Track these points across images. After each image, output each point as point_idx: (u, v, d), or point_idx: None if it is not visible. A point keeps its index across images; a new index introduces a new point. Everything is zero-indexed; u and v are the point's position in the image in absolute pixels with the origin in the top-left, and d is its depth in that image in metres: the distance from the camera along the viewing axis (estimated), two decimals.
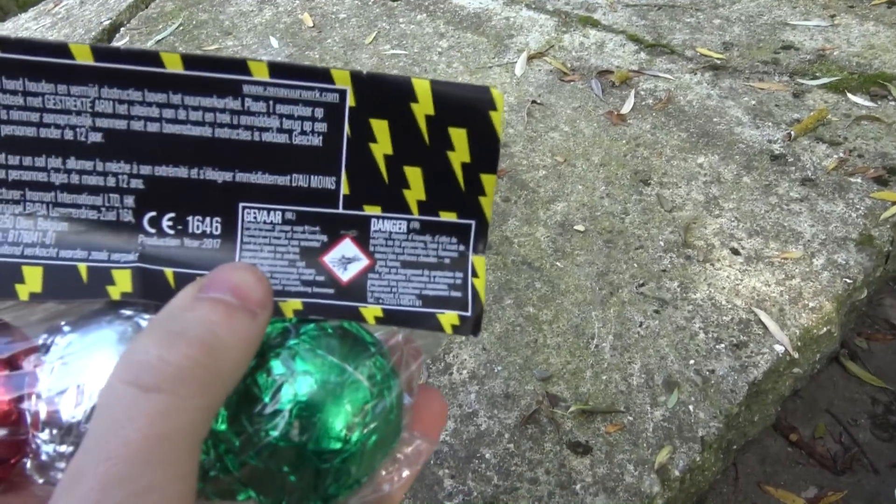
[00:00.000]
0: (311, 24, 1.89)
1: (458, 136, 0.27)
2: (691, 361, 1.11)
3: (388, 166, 0.28)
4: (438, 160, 0.28)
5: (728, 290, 1.18)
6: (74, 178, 0.27)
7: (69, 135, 0.26)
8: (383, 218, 0.28)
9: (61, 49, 0.25)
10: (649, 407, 1.07)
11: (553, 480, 0.99)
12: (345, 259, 0.28)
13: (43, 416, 0.25)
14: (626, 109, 1.53)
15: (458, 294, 0.29)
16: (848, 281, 1.18)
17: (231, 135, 0.26)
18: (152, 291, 0.26)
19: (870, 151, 1.37)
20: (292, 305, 0.28)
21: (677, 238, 1.26)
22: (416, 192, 0.28)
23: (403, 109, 0.27)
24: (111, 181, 0.27)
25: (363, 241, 0.29)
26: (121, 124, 0.26)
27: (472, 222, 0.29)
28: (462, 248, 0.29)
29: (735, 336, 1.13)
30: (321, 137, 0.27)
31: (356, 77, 0.27)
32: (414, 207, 0.28)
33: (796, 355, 1.11)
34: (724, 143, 1.44)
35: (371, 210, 0.28)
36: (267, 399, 0.25)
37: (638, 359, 1.11)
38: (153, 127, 0.26)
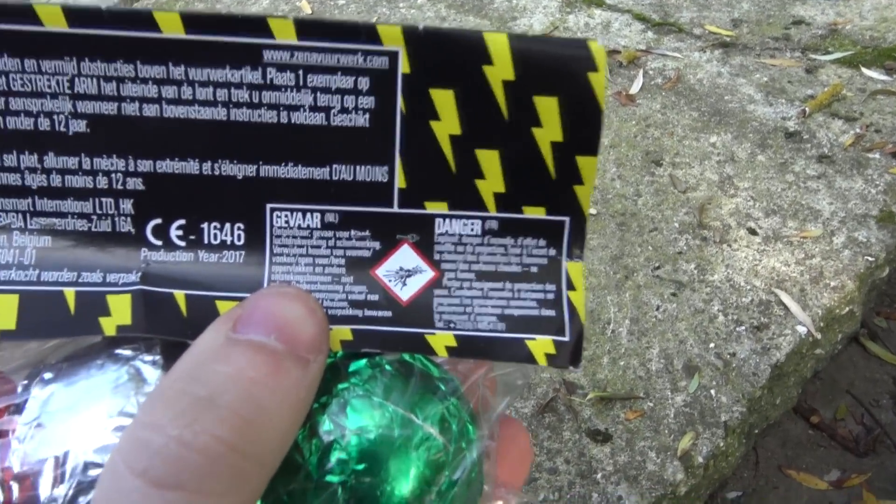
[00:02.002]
0: (310, 11, 1.84)
1: (547, 107, 0.21)
2: (711, 345, 1.07)
3: (455, 150, 0.22)
4: (521, 140, 0.22)
5: (747, 271, 1.15)
6: (56, 180, 0.21)
7: (44, 124, 0.21)
8: (451, 217, 0.23)
9: (24, 12, 0.20)
10: (670, 392, 1.04)
11: (573, 470, 0.96)
12: (403, 272, 0.23)
13: (16, 496, 0.19)
14: (634, 90, 1.49)
15: (550, 312, 0.23)
16: (870, 259, 1.14)
17: (251, 116, 0.21)
18: (158, 322, 0.21)
19: (887, 126, 1.33)
20: (339, 335, 0.22)
21: (692, 219, 1.23)
22: (492, 182, 0.22)
23: (474, 75, 0.21)
24: (102, 182, 0.21)
25: (426, 248, 0.23)
26: (109, 108, 0.21)
27: (566, 219, 0.23)
28: (553, 252, 0.23)
29: (756, 318, 1.10)
30: (368, 115, 0.21)
31: (411, 34, 0.21)
32: (490, 202, 0.23)
33: (819, 336, 1.08)
34: (737, 122, 1.40)
35: (435, 207, 0.23)
36: (312, 467, 0.20)
37: (656, 343, 1.08)
38: (151, 110, 0.21)
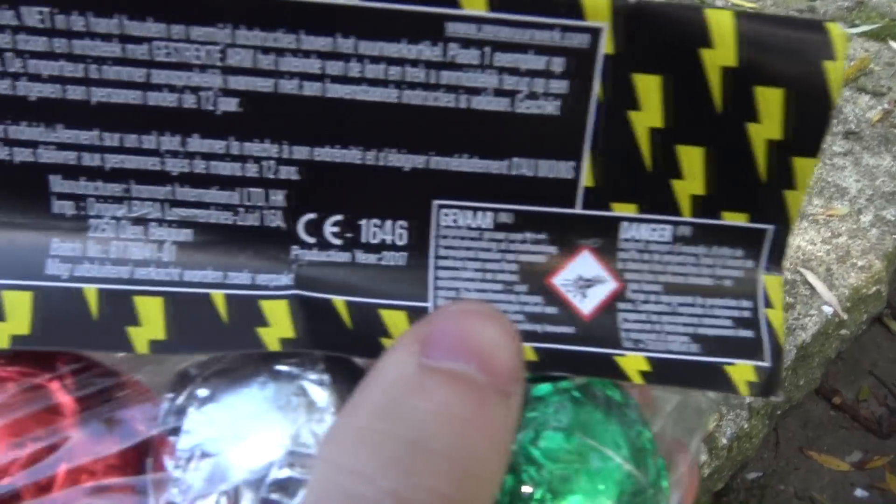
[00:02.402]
0: None
1: (769, 99, 0.19)
2: None
3: (654, 145, 0.19)
4: (732, 136, 0.19)
5: None
6: (199, 166, 0.19)
7: (190, 101, 0.18)
8: (638, 221, 0.20)
9: None
10: None
11: None
12: (582, 281, 0.20)
13: (182, 486, 0.17)
14: None
15: (747, 333, 0.20)
16: None
17: (426, 99, 0.18)
18: (323, 335, 0.19)
19: None
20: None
21: None
22: (691, 182, 0.20)
23: (689, 59, 0.18)
24: (252, 170, 0.19)
25: (608, 255, 0.20)
26: (265, 85, 0.18)
27: (769, 227, 0.20)
28: (749, 263, 0.20)
29: None
30: (559, 102, 0.19)
31: (620, 8, 0.18)
32: (685, 205, 0.20)
33: (845, 317, 1.07)
34: None
35: (622, 209, 0.20)
36: None
37: None
38: (312, 88, 0.18)
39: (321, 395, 0.18)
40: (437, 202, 0.20)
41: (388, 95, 0.18)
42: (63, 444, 0.17)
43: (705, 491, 1.01)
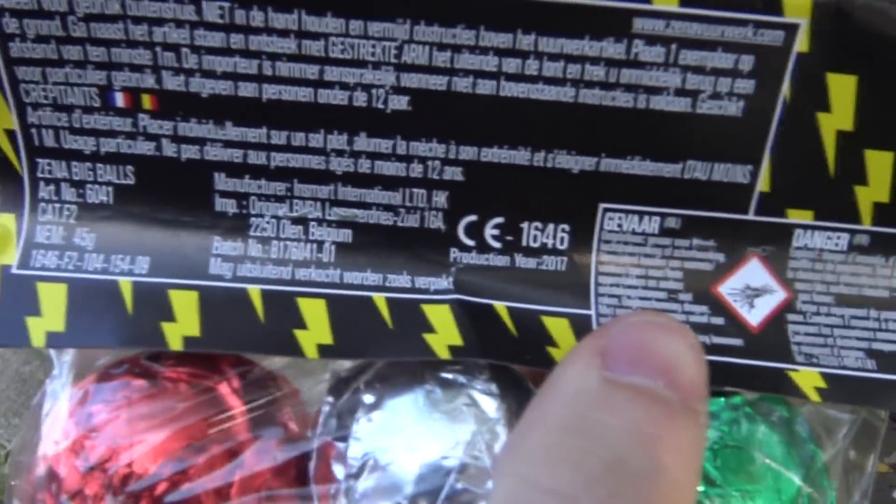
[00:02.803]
0: None
1: None
2: None
3: (840, 149, 0.18)
4: None
5: None
6: (364, 165, 0.18)
7: (361, 99, 0.18)
8: (813, 228, 0.19)
9: None
10: None
11: None
12: (750, 291, 0.19)
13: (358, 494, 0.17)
14: None
15: None
16: None
17: (602, 99, 0.18)
18: (490, 343, 0.18)
19: None
20: None
21: None
22: (875, 189, 0.19)
23: (890, 59, 0.17)
24: (417, 170, 0.18)
25: (778, 264, 0.19)
26: (438, 83, 0.17)
27: None
28: None
29: None
30: (742, 103, 0.18)
31: (823, 4, 0.17)
32: (866, 213, 0.19)
33: None
34: None
35: (797, 216, 0.19)
36: None
37: None
38: (486, 87, 0.17)
39: (491, 405, 0.18)
40: (602, 205, 0.19)
41: (564, 95, 0.18)
42: (239, 450, 0.17)
43: None
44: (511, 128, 0.18)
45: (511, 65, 0.17)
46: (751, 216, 0.19)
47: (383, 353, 0.18)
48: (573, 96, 0.18)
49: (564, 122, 0.18)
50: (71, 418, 0.17)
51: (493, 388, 0.18)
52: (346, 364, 0.20)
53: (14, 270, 0.18)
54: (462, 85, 0.17)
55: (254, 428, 0.17)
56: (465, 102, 0.18)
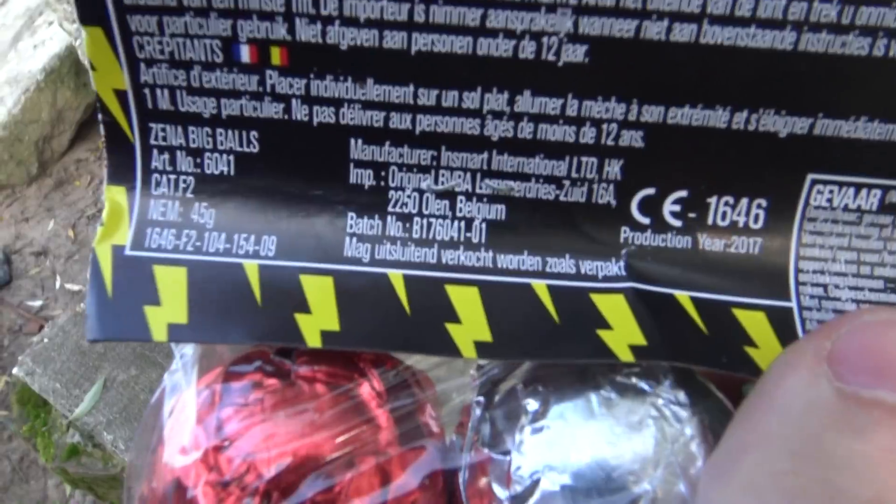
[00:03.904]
0: None
1: None
2: None
3: None
4: None
5: None
6: (525, 129, 0.15)
7: (529, 49, 0.15)
8: None
9: None
10: None
11: None
12: None
13: None
14: None
15: None
16: None
17: (830, 45, 0.14)
18: (679, 344, 0.15)
19: None
20: None
21: None
22: None
23: None
24: (589, 134, 0.15)
25: None
26: (625, 28, 0.14)
27: None
28: None
29: None
30: None
31: None
32: None
33: None
34: None
35: None
36: None
37: None
38: (684, 33, 0.14)
39: (681, 417, 0.15)
40: (811, 176, 0.16)
41: (782, 41, 0.14)
42: (388, 466, 0.14)
43: None
44: (709, 83, 0.15)
45: (718, 5, 0.14)
46: None
47: (552, 353, 0.15)
48: (793, 43, 0.14)
49: (778, 75, 0.15)
50: (199, 425, 0.15)
51: (682, 396, 0.15)
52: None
53: (128, 252, 0.16)
54: (654, 31, 0.14)
55: (402, 440, 0.15)
56: (657, 52, 0.15)
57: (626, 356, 0.15)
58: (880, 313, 0.15)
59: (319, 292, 0.15)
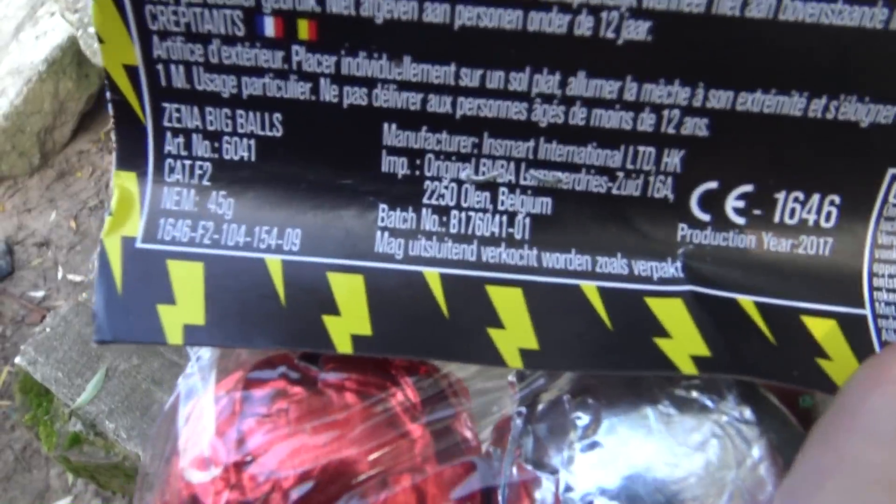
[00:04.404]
0: None
1: None
2: None
3: None
4: None
5: None
6: (578, 115, 0.14)
7: (586, 25, 0.13)
8: None
9: None
10: None
11: None
12: None
13: None
14: None
15: None
16: None
17: None
18: (746, 355, 0.14)
19: None
20: None
21: None
22: None
23: None
24: (648, 121, 0.14)
25: None
26: (695, 2, 0.13)
27: None
28: None
29: None
30: None
31: None
32: None
33: None
34: None
35: None
36: None
37: None
38: (762, 7, 0.13)
39: (748, 437, 0.14)
40: (892, 171, 0.14)
41: (873, 18, 0.13)
42: (424, 486, 0.13)
43: None
44: (786, 66, 0.13)
45: None
46: None
47: (606, 364, 0.14)
48: (884, 20, 0.13)
49: (864, 56, 0.13)
50: (219, 437, 0.13)
51: (748, 413, 0.14)
52: None
53: (140, 244, 0.14)
54: (728, 5, 0.13)
55: (438, 455, 0.14)
56: (729, 30, 0.13)
57: (688, 368, 0.13)
58: None
59: (349, 292, 0.14)
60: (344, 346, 0.13)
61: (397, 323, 0.14)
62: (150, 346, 0.88)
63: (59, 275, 1.52)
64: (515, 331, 0.14)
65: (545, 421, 0.14)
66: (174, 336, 0.13)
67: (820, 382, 0.13)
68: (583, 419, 0.14)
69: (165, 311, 0.14)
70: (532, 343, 0.14)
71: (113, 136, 0.15)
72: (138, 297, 0.14)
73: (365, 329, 0.14)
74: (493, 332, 0.14)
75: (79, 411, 0.92)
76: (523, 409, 0.15)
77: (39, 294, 1.48)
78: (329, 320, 0.14)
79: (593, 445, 0.14)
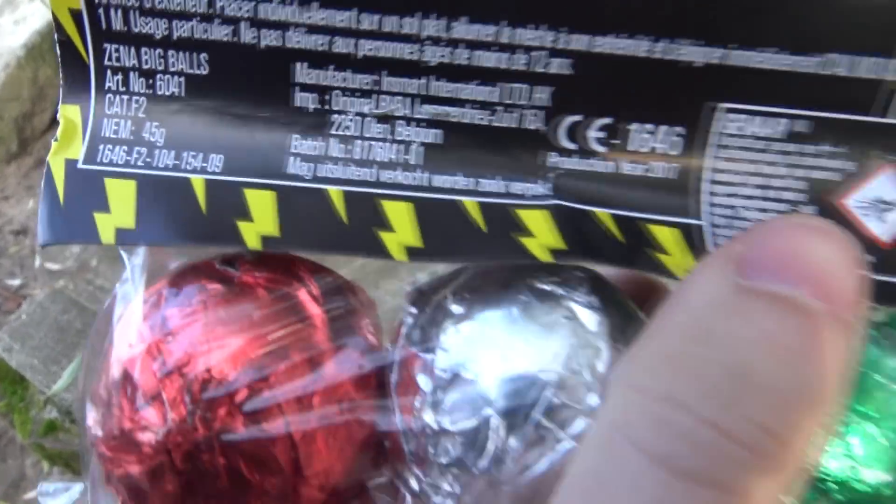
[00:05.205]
0: None
1: None
2: None
3: None
4: None
5: None
6: (462, 56, 0.16)
7: None
8: None
9: None
10: None
11: None
12: (883, 204, 0.18)
13: (439, 406, 0.16)
14: None
15: None
16: None
17: None
18: (596, 248, 0.17)
19: None
20: None
21: None
22: None
23: None
24: (520, 61, 0.16)
25: None
26: None
27: None
28: None
29: None
30: None
31: None
32: None
33: None
34: None
35: None
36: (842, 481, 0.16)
37: None
38: None
39: (592, 318, 0.16)
40: (724, 105, 0.17)
41: None
42: (320, 359, 0.16)
43: None
44: (631, 11, 0.16)
45: None
46: (883, 118, 0.17)
47: (476, 255, 0.17)
48: None
49: (696, 3, 0.16)
50: (145, 322, 0.15)
51: (595, 301, 0.16)
52: (426, 279, 0.19)
53: (81, 165, 0.17)
54: None
55: (334, 337, 0.16)
56: None
57: (545, 257, 0.16)
58: (793, 219, 0.16)
59: (261, 204, 0.16)
60: (254, 244, 0.16)
61: (301, 226, 0.16)
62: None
63: (37, 263, 1.51)
64: (403, 233, 0.16)
65: (429, 314, 0.17)
66: (107, 237, 0.16)
67: (658, 270, 0.16)
68: (459, 309, 0.17)
69: (101, 218, 0.16)
70: (417, 242, 0.16)
71: (60, 73, 0.17)
72: (77, 207, 0.16)
73: (274, 231, 0.16)
74: (383, 234, 0.16)
75: (55, 398, 0.92)
76: (413, 310, 0.17)
77: (16, 282, 1.47)
78: (242, 224, 0.16)
79: (462, 329, 0.16)
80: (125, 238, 0.16)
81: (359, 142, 0.17)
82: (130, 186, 0.17)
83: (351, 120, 0.17)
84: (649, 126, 0.17)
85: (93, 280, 0.98)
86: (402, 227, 0.16)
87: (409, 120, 0.17)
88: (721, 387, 0.13)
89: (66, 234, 0.16)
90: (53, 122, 1.55)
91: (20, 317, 0.99)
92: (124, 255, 0.17)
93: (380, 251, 0.16)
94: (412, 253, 0.16)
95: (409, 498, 0.16)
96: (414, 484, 0.16)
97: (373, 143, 0.17)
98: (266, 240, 0.16)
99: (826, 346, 0.13)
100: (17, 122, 1.45)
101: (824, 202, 0.17)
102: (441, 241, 0.16)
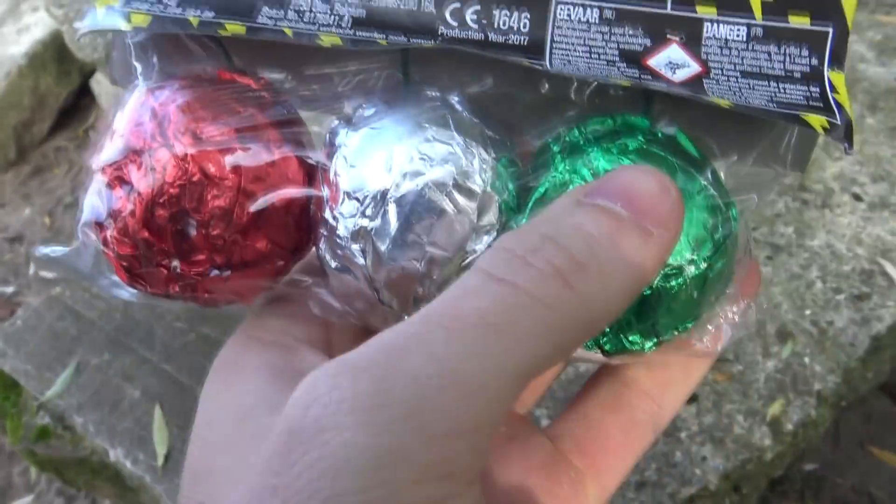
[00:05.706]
0: None
1: None
2: (807, 311, 1.03)
3: None
4: None
5: (849, 238, 1.10)
6: None
7: None
8: (718, 22, 0.24)
9: None
10: (760, 357, 1.00)
11: None
12: (672, 64, 0.24)
13: (345, 185, 0.24)
14: None
15: (818, 104, 0.23)
16: None
17: None
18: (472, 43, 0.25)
19: None
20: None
21: (793, 181, 1.17)
22: None
23: None
24: None
25: (693, 48, 0.24)
26: None
27: (829, 28, 0.24)
28: (815, 61, 0.24)
29: (856, 287, 1.05)
30: None
31: None
32: (757, 9, 0.24)
33: None
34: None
35: (704, 11, 0.24)
36: None
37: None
38: None
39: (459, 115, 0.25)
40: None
41: None
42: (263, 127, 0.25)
43: (763, 475, 0.99)
44: None
45: None
46: (668, 10, 0.24)
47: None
48: None
49: None
50: (140, 106, 0.24)
51: (463, 100, 0.26)
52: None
53: (117, 7, 0.25)
54: None
55: (282, 131, 0.25)
56: None
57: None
58: (633, 166, 0.23)
59: (235, 29, 0.25)
60: (228, 32, 0.25)
61: (261, 35, 0.25)
62: (123, 343, 0.89)
63: (31, 270, 1.52)
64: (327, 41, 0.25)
65: (349, 119, 0.25)
66: (127, 25, 0.25)
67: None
68: (368, 111, 0.25)
69: (122, 22, 0.25)
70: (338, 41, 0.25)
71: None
72: (109, 18, 0.25)
73: (242, 33, 0.25)
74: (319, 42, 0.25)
75: (48, 404, 0.91)
76: (340, 120, 0.26)
77: (9, 290, 1.48)
78: (221, 31, 0.25)
79: (367, 127, 0.25)
80: (138, 32, 0.25)
81: (308, 14, 0.25)
82: (147, 17, 0.25)
83: (303, 1, 0.25)
84: (506, 11, 0.24)
85: (88, 288, 0.99)
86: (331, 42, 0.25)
87: (344, 3, 0.25)
88: (534, 243, 0.19)
89: (99, 25, 0.25)
90: (52, 132, 1.59)
91: (15, 322, 0.98)
92: (137, 65, 0.26)
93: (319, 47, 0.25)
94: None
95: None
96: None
97: (318, 14, 0.25)
98: (237, 35, 0.24)
99: (622, 242, 0.19)
100: (16, 130, 1.48)
101: (633, 61, 0.24)
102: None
